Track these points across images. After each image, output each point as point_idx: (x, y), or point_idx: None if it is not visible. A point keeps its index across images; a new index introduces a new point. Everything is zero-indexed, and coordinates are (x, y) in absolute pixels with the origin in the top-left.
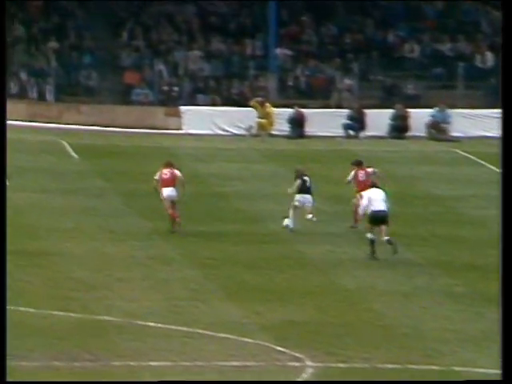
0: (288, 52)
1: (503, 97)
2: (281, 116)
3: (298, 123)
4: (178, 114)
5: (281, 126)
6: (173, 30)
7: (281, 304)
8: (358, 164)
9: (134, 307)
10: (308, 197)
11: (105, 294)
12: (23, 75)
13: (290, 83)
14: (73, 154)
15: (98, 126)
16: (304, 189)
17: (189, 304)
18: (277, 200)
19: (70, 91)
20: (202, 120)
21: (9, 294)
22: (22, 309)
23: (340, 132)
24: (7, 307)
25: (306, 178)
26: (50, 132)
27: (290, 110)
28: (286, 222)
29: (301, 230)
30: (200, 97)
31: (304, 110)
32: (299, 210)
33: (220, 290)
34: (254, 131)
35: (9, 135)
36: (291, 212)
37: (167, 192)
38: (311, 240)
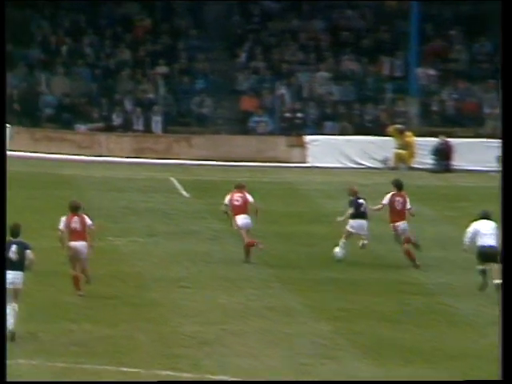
0: (432, 72)
1: (503, 97)
2: (423, 146)
3: (443, 155)
4: (302, 145)
5: (423, 158)
6: (297, 48)
7: (428, 366)
8: (399, 186)
9: (251, 365)
10: (363, 222)
11: (219, 350)
12: (128, 104)
13: (435, 108)
14: (183, 192)
15: (211, 159)
16: (359, 213)
17: (316, 362)
18: (421, 244)
19: (180, 121)
20: (330, 151)
21: (113, 352)
22: (124, 369)
23: (494, 166)
24: None
25: (361, 200)
26: (158, 168)
27: (434, 140)
28: (337, 250)
29: (448, 280)
30: (328, 124)
31: (451, 140)
32: (353, 236)
33: (353, 346)
34: (391, 164)
35: (111, 173)
36: (342, 240)
37: (241, 220)
38: (462, 292)
